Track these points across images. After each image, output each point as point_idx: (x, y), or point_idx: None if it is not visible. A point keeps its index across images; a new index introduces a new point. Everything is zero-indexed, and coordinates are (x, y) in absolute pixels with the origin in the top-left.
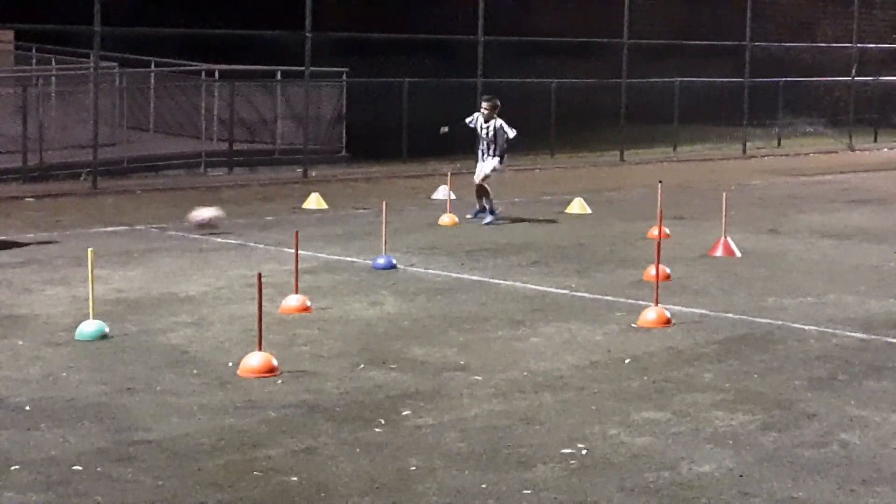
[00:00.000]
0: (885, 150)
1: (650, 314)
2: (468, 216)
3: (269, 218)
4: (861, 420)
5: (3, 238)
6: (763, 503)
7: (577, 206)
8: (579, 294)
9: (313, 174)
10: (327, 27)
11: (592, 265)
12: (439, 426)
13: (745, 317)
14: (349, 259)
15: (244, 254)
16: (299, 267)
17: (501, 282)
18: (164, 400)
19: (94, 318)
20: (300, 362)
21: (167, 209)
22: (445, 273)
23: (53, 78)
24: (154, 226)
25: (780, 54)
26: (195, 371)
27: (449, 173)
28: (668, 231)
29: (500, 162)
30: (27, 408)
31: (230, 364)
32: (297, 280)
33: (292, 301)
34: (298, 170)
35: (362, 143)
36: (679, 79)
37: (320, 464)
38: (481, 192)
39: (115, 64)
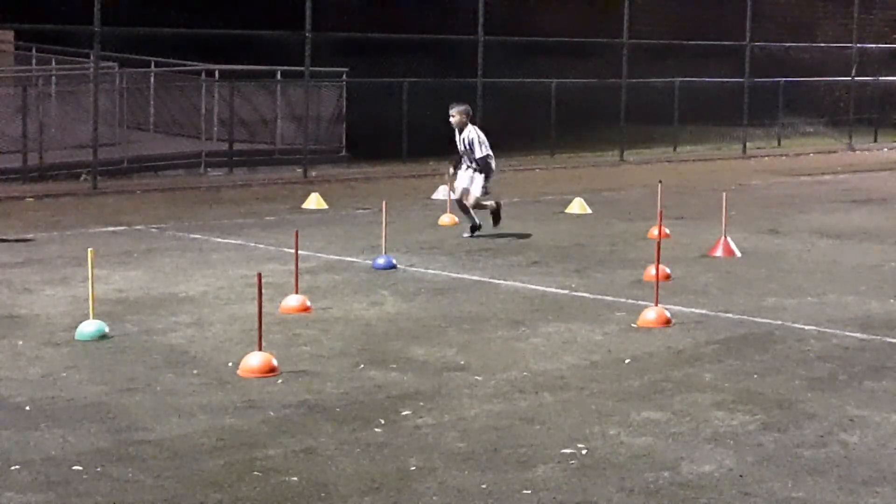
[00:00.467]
0: (885, 150)
1: (650, 314)
2: (465, 235)
3: (269, 218)
4: (861, 420)
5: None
6: (763, 503)
7: (577, 206)
8: (579, 294)
9: (313, 174)
10: (327, 27)
11: (592, 265)
12: (439, 426)
13: (745, 317)
14: (349, 259)
15: (244, 254)
16: (299, 267)
17: (501, 282)
18: (164, 400)
19: (94, 318)
20: (300, 362)
21: (167, 209)
22: (445, 273)
23: (53, 78)
24: (154, 226)
25: (780, 54)
26: (195, 371)
27: (449, 173)
28: (668, 231)
29: (486, 180)
30: (27, 408)
31: (230, 364)
32: (297, 280)
33: (292, 301)
34: (298, 170)
35: (362, 143)
36: (679, 79)
37: (320, 464)
38: (462, 206)
39: (115, 64)
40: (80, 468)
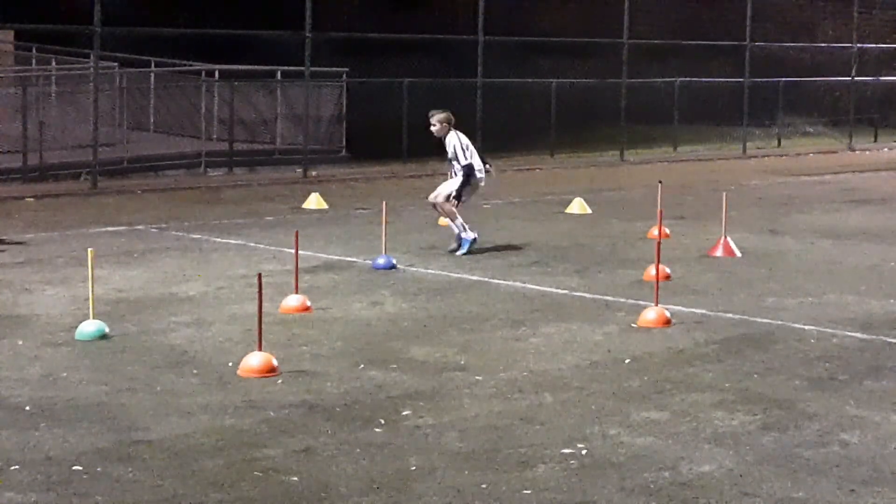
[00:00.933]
0: (885, 150)
1: (650, 314)
2: (450, 249)
3: (269, 218)
4: (861, 420)
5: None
6: (763, 503)
7: (577, 206)
8: (579, 294)
9: (313, 174)
10: (327, 27)
11: (592, 265)
12: (439, 426)
13: (745, 317)
14: (349, 259)
15: (244, 254)
16: (299, 267)
17: (501, 282)
18: (164, 400)
19: (94, 318)
20: (300, 362)
21: (167, 209)
22: (445, 273)
23: (53, 78)
24: (154, 226)
25: (780, 54)
26: (195, 371)
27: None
28: (668, 231)
29: (463, 184)
30: (27, 408)
31: (230, 364)
32: (297, 280)
33: (292, 301)
34: (298, 170)
35: (362, 143)
36: (679, 79)
37: (320, 464)
38: (441, 211)
39: (115, 64)
40: (80, 468)
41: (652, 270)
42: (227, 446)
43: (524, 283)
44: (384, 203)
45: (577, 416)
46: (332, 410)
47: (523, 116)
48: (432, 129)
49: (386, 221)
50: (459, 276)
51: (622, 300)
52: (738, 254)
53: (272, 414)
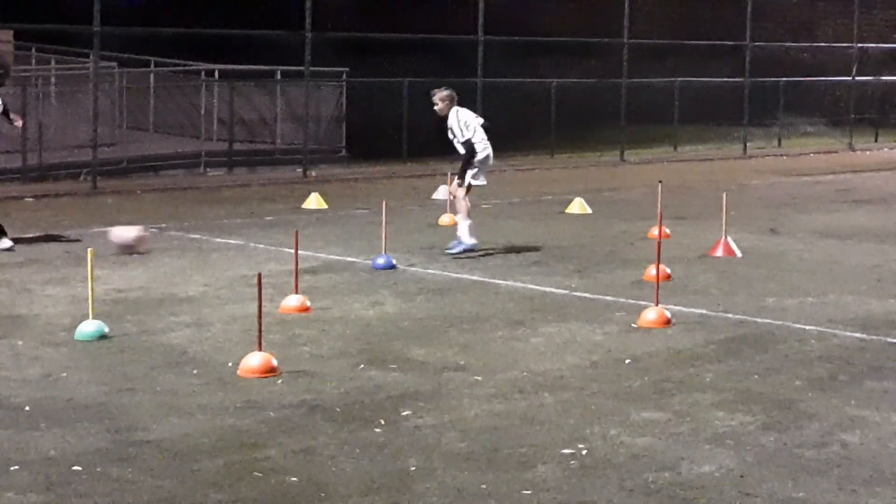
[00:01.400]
0: (885, 150)
1: (650, 314)
2: (446, 247)
3: (269, 218)
4: (861, 420)
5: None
6: (763, 503)
7: (577, 206)
8: (579, 294)
9: (313, 174)
10: (327, 27)
11: (592, 265)
12: (439, 426)
13: (745, 317)
14: (349, 259)
15: (244, 254)
16: (299, 267)
17: (501, 282)
18: (164, 400)
19: (93, 318)
20: (300, 362)
21: (167, 209)
22: (445, 273)
23: (53, 78)
24: (154, 226)
25: (780, 54)
26: (195, 371)
27: (449, 173)
28: (668, 231)
29: (466, 163)
30: (27, 408)
31: (230, 364)
32: (297, 280)
33: (292, 301)
34: (298, 170)
35: (362, 143)
36: (679, 79)
37: (320, 464)
38: (457, 206)
39: (114, 64)
40: (80, 468)
41: (652, 270)
42: (227, 446)
43: (524, 283)
44: (384, 203)
45: (577, 417)
46: (332, 410)
47: (523, 116)
48: (435, 108)
49: (386, 221)
50: (459, 276)
51: (622, 300)
52: (739, 254)
53: (272, 414)
